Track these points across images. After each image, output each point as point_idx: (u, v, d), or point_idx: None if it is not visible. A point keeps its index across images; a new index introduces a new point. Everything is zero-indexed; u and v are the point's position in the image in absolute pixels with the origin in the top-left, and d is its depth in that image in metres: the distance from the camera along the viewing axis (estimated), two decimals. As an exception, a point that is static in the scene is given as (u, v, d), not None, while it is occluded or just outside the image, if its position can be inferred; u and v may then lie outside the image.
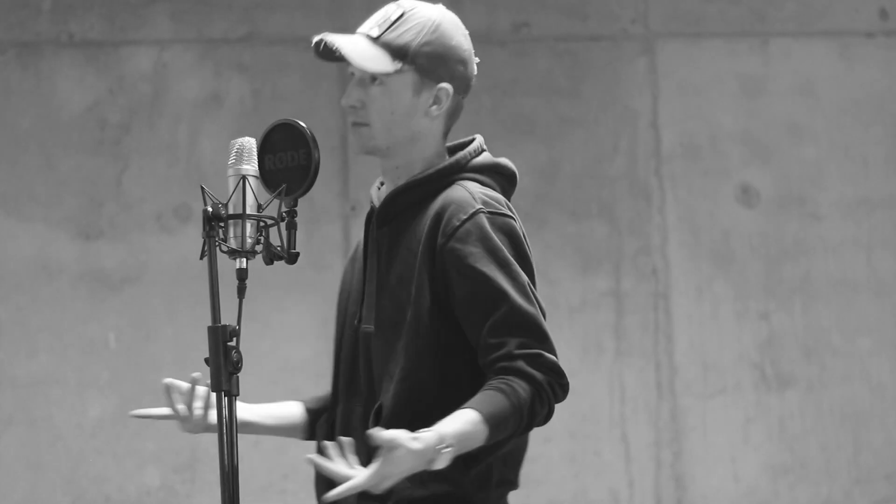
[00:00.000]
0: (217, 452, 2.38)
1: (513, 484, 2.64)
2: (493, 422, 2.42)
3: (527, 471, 2.69)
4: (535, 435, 2.66)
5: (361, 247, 2.71)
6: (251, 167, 2.49)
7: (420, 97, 2.63)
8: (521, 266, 2.53)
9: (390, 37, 2.62)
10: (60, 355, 5.15)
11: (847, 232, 5.40)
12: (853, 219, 5.40)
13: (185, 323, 5.14)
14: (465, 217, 2.53)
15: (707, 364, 5.32)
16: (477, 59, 2.71)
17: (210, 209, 2.42)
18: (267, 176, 2.51)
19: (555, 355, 2.51)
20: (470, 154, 2.66)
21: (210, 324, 2.38)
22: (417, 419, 2.48)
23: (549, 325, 2.53)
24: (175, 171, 5.24)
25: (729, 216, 5.36)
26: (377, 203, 2.67)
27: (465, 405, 2.44)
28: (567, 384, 2.51)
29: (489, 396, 2.44)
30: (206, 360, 2.38)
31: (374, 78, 2.62)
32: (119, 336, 5.18)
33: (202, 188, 2.44)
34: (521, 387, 2.45)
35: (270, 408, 2.78)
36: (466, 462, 2.50)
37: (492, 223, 2.53)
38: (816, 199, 5.40)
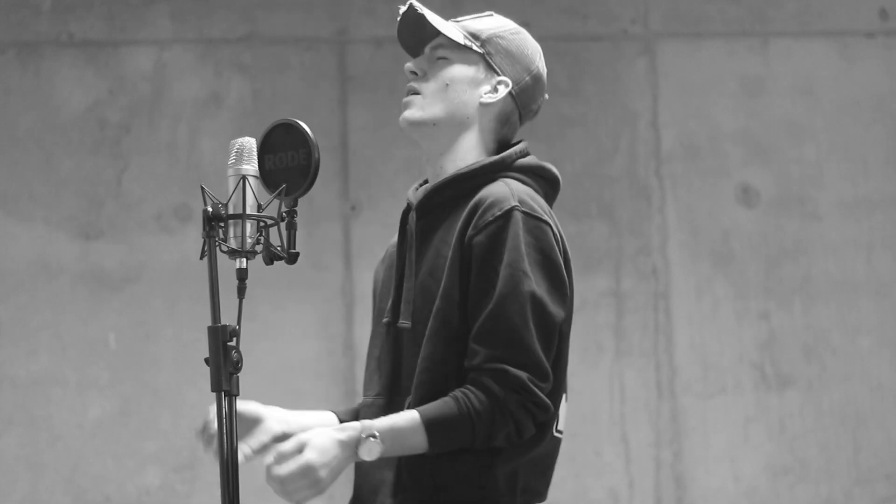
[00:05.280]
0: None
1: (539, 494, 2.63)
2: (434, 426, 2.42)
3: (527, 471, 2.68)
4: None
5: (395, 247, 2.69)
6: (251, 167, 2.49)
7: (479, 82, 2.66)
8: (546, 273, 2.51)
9: (469, 22, 2.69)
10: (60, 355, 5.15)
11: (847, 232, 5.40)
12: (853, 219, 5.40)
13: (185, 323, 5.14)
14: (499, 213, 2.51)
15: (707, 364, 5.32)
16: (546, 96, 2.72)
17: (210, 209, 2.41)
18: (267, 176, 2.50)
19: (531, 371, 2.45)
20: (515, 154, 2.65)
21: (210, 324, 2.38)
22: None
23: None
24: (175, 171, 5.24)
25: (729, 216, 5.36)
26: (414, 201, 2.65)
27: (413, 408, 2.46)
28: (541, 401, 2.46)
29: (438, 403, 2.45)
30: (206, 360, 2.38)
31: (440, 57, 2.65)
32: (119, 336, 5.17)
33: (202, 188, 2.43)
34: (478, 398, 2.44)
35: (308, 416, 2.73)
36: (492, 466, 2.50)
37: (525, 223, 2.51)
38: (816, 199, 5.40)
